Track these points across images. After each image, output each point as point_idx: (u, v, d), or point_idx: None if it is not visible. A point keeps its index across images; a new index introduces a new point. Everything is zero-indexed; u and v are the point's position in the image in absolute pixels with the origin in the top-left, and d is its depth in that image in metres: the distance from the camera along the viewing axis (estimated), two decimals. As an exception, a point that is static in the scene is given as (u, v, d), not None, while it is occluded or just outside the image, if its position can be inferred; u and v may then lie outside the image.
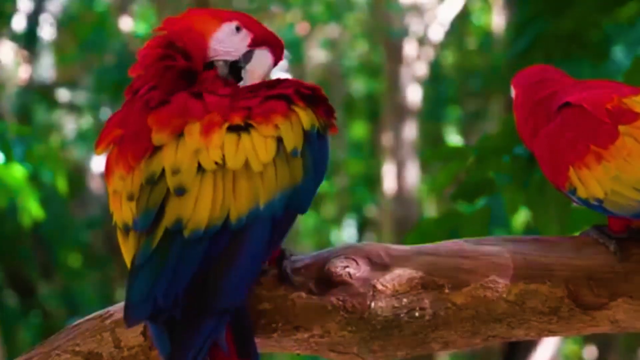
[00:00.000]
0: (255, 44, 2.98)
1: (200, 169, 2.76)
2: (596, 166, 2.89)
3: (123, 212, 2.80)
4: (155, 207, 2.75)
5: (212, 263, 2.71)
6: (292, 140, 2.84)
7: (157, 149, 2.80)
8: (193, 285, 2.70)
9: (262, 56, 2.98)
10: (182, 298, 2.68)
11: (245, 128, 2.81)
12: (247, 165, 2.78)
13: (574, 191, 2.91)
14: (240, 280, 2.71)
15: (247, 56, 2.97)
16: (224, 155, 2.77)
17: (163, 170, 2.78)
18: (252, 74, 2.98)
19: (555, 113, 3.00)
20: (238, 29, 2.97)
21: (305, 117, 2.88)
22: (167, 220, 2.73)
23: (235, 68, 2.97)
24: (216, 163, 2.76)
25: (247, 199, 2.76)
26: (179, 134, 2.80)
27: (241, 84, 2.96)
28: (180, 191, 2.74)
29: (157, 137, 2.81)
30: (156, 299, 2.67)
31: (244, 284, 2.72)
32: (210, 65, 2.95)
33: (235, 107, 2.83)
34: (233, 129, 2.80)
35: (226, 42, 2.96)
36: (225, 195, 2.75)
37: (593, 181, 2.88)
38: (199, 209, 2.73)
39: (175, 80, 2.90)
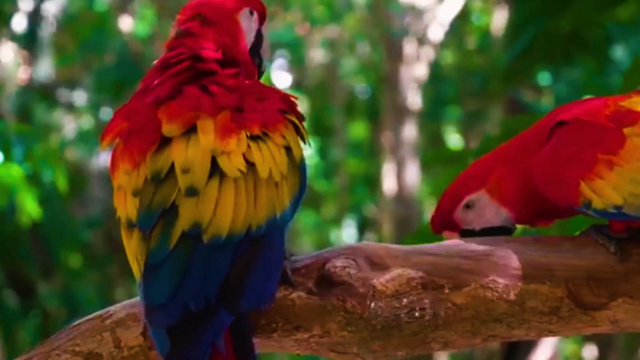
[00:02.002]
0: (260, 22, 3.07)
1: (215, 171, 2.75)
2: (609, 173, 2.85)
3: (128, 208, 2.79)
4: (159, 207, 2.74)
5: (234, 268, 2.72)
6: (298, 150, 2.88)
7: (164, 143, 2.79)
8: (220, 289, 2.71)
9: (266, 31, 3.09)
10: (214, 302, 2.68)
11: (262, 138, 2.83)
12: (270, 174, 2.80)
13: (588, 205, 2.86)
14: (264, 283, 2.74)
15: (259, 35, 3.07)
16: (250, 163, 2.78)
17: (170, 168, 2.76)
18: (266, 53, 3.09)
19: (549, 137, 2.96)
20: (251, 13, 3.07)
21: (302, 129, 2.92)
22: (184, 223, 2.72)
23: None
24: (240, 170, 2.76)
25: (267, 207, 2.78)
26: (190, 128, 2.80)
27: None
28: (192, 192, 2.74)
29: (167, 128, 2.79)
30: (187, 303, 2.67)
31: (269, 286, 2.75)
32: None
33: (249, 116, 2.84)
34: (254, 137, 2.81)
35: (247, 31, 3.06)
36: (249, 204, 2.76)
37: (609, 189, 2.84)
38: (220, 215, 2.73)
39: (192, 74, 2.91)
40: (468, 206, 3.04)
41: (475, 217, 3.04)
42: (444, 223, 3.06)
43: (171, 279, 2.69)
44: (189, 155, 2.76)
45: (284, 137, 2.85)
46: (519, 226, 3.10)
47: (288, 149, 2.85)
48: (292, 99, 2.95)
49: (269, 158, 2.80)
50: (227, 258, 2.71)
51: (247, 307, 2.72)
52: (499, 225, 3.03)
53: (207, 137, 2.77)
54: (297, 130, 2.91)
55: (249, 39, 3.04)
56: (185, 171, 2.75)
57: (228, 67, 2.92)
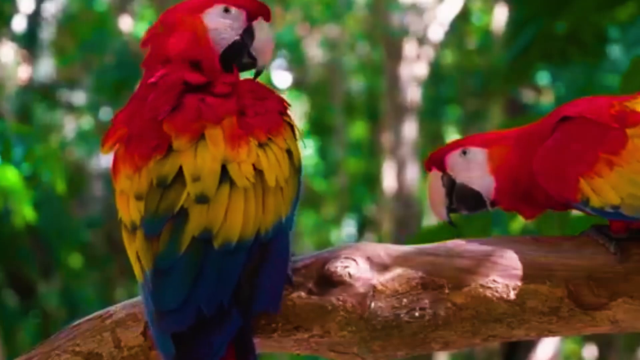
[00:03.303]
0: (250, 18, 2.97)
1: (224, 179, 2.76)
2: (609, 173, 2.86)
3: (131, 212, 2.80)
4: (166, 213, 2.74)
5: (245, 272, 2.74)
6: (297, 153, 2.90)
7: (170, 149, 2.79)
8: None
9: (263, 28, 2.99)
10: (227, 305, 2.70)
11: (268, 144, 2.84)
12: (276, 181, 2.81)
13: (586, 202, 2.88)
14: (272, 286, 2.76)
15: (248, 33, 2.96)
16: (258, 171, 2.79)
17: (177, 174, 2.77)
18: (263, 51, 2.99)
19: (553, 131, 2.96)
20: (227, 10, 2.97)
21: (299, 132, 2.93)
22: (194, 228, 2.73)
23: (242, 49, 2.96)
24: (247, 179, 2.77)
25: (274, 212, 2.80)
26: (199, 138, 2.79)
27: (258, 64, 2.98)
28: (203, 199, 2.74)
29: (177, 144, 2.79)
30: (200, 308, 2.68)
31: (277, 289, 2.77)
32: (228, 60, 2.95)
33: (253, 121, 2.84)
34: (261, 145, 2.82)
35: (221, 29, 2.95)
36: (257, 210, 2.77)
37: (607, 188, 2.85)
38: (230, 221, 2.74)
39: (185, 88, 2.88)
40: (464, 153, 3.07)
41: (463, 166, 3.06)
42: (436, 159, 3.09)
43: (183, 283, 2.69)
44: (198, 163, 2.77)
45: (285, 140, 2.86)
46: (518, 228, 3.10)
47: (289, 153, 2.87)
48: (285, 101, 2.95)
49: (275, 164, 2.82)
50: (238, 262, 2.73)
51: (259, 309, 2.75)
52: (477, 191, 3.05)
53: (217, 146, 2.77)
54: (293, 132, 2.92)
55: (225, 36, 2.95)
56: (195, 179, 2.75)
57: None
